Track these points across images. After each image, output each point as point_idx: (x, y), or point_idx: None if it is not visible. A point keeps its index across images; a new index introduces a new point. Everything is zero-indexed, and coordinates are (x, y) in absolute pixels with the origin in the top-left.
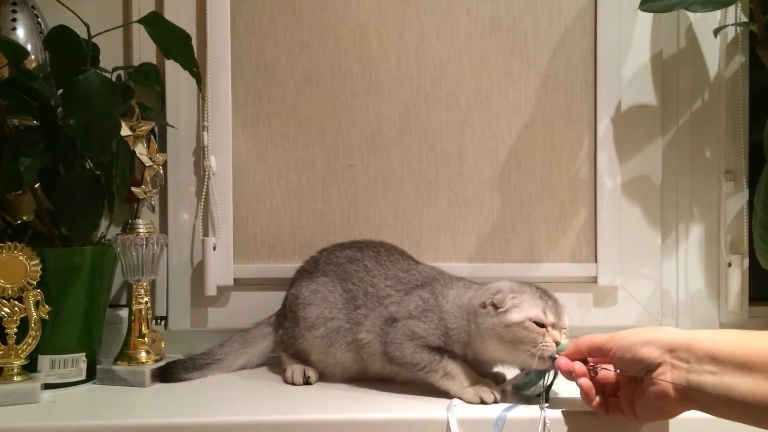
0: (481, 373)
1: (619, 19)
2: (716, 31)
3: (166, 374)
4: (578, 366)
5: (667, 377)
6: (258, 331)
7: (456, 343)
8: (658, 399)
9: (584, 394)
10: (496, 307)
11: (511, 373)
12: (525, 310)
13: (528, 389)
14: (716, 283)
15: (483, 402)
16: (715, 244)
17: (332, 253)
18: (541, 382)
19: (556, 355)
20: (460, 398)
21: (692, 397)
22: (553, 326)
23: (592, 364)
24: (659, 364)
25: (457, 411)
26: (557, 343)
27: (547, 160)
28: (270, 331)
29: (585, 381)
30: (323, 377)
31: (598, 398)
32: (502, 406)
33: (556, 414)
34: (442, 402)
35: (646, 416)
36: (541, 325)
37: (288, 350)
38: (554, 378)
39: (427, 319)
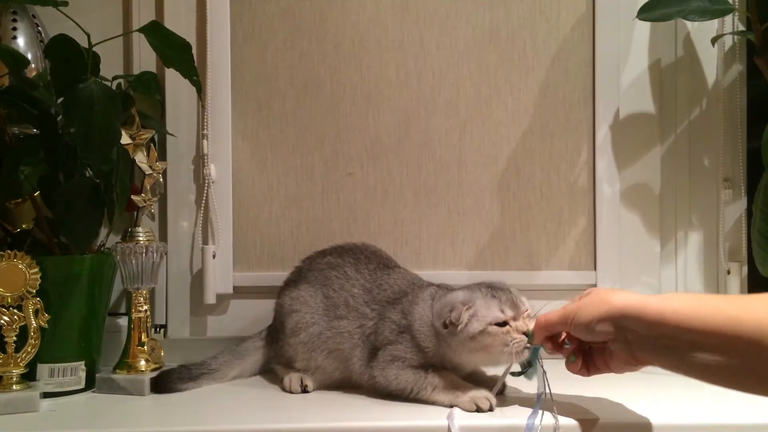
0: (472, 378)
1: (617, 27)
2: (714, 40)
3: (161, 384)
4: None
5: (620, 350)
6: (250, 344)
7: (434, 358)
8: (623, 362)
9: (570, 365)
10: (455, 325)
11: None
12: (482, 317)
13: (531, 377)
14: (715, 291)
15: (479, 410)
16: (714, 251)
17: (314, 260)
18: (536, 364)
19: (528, 345)
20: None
21: (650, 360)
22: (514, 318)
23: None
24: (615, 337)
25: (458, 419)
26: (525, 333)
27: (546, 167)
28: (262, 345)
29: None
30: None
31: (579, 362)
32: (521, 413)
33: (569, 422)
34: (442, 410)
35: (619, 371)
36: (504, 322)
37: (280, 361)
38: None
39: (403, 339)
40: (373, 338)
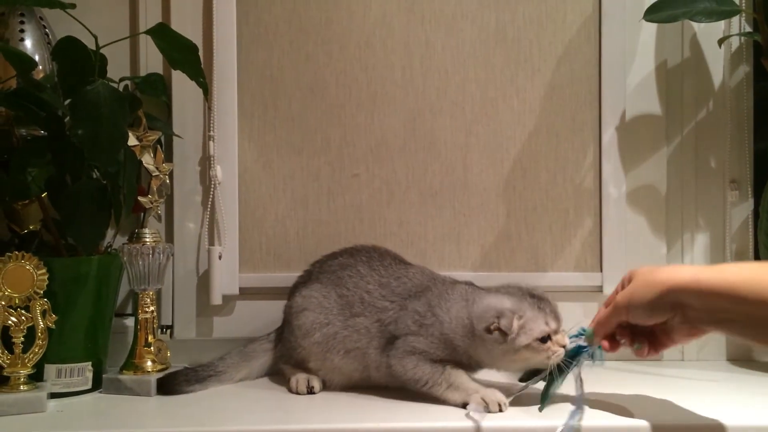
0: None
1: (623, 29)
2: (721, 41)
3: (167, 386)
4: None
5: (680, 324)
6: (258, 346)
7: (463, 356)
8: (685, 335)
9: (638, 352)
10: (503, 333)
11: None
12: (530, 330)
13: (555, 389)
14: None
15: (488, 410)
16: (721, 253)
17: (324, 263)
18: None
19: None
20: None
21: (711, 330)
22: (556, 331)
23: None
24: (674, 315)
25: (481, 417)
26: (563, 346)
27: (552, 169)
28: (270, 347)
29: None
30: (324, 385)
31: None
32: (557, 412)
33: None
34: (451, 410)
35: (685, 342)
36: (548, 336)
37: (289, 361)
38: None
39: (427, 333)
40: (393, 327)
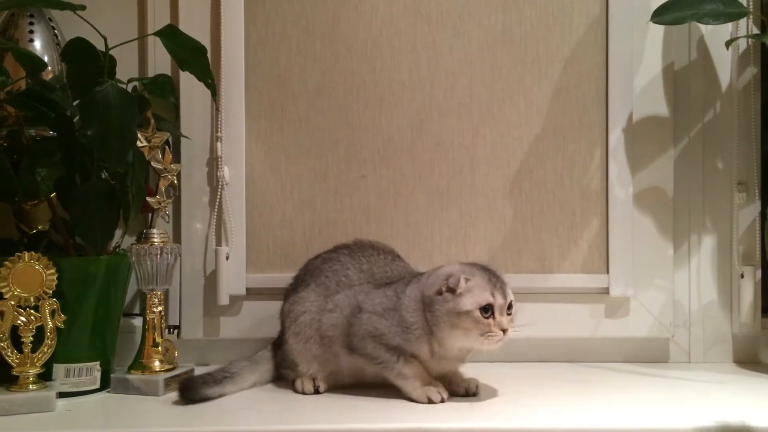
0: (450, 372)
1: (630, 31)
2: (728, 43)
3: (189, 391)
4: None
5: None
6: (262, 353)
7: (419, 339)
8: None
9: None
10: (452, 291)
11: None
12: (475, 295)
13: None
14: (729, 295)
15: (431, 401)
16: (728, 255)
17: (309, 263)
18: None
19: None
20: (409, 397)
21: None
22: (500, 308)
23: None
24: None
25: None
26: (504, 330)
27: (559, 170)
28: (270, 355)
29: None
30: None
31: None
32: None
33: None
34: (460, 410)
35: None
36: (491, 307)
37: (289, 366)
38: None
39: (389, 317)
40: (362, 297)
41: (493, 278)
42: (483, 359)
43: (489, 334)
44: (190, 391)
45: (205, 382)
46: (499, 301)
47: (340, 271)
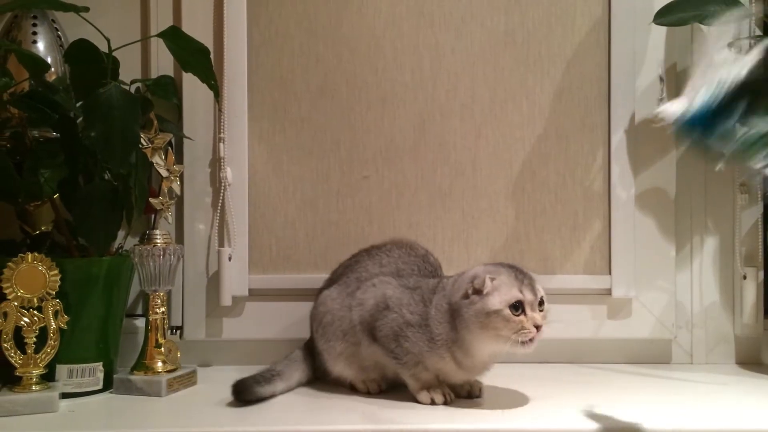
0: (467, 379)
1: (632, 32)
2: (730, 45)
3: (243, 394)
4: None
5: None
6: (296, 353)
7: (442, 348)
8: None
9: None
10: (478, 292)
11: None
12: (504, 294)
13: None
14: (731, 296)
15: (433, 403)
16: (730, 256)
17: (340, 264)
18: None
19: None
20: (415, 397)
21: None
22: (531, 303)
23: None
24: None
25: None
26: (537, 327)
27: (561, 171)
28: (302, 355)
29: None
30: (339, 381)
31: None
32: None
33: None
34: (462, 411)
35: None
36: (520, 304)
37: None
38: None
39: (416, 323)
40: (390, 292)
41: (520, 275)
42: None
43: (522, 331)
44: (246, 392)
45: (257, 381)
46: (528, 297)
47: (358, 269)
